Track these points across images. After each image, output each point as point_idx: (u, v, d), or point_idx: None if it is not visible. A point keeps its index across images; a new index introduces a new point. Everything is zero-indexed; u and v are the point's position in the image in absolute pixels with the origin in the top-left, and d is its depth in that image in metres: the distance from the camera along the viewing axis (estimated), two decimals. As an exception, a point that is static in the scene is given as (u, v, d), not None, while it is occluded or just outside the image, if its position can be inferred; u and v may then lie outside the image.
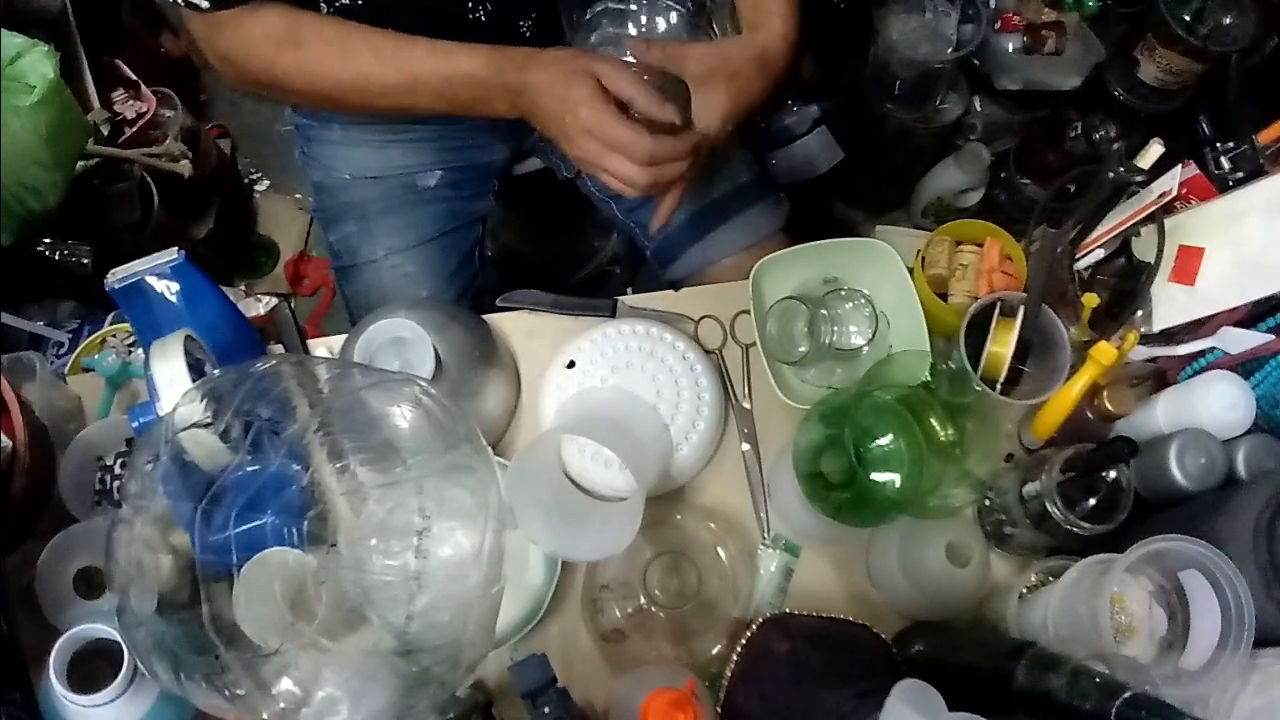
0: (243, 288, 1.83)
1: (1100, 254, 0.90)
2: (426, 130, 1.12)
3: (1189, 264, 0.84)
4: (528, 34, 1.00)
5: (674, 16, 0.91)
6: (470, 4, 0.93)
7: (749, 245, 1.12)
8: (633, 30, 0.91)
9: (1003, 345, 0.86)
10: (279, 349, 0.95)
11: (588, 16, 0.93)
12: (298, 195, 1.97)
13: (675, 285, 1.06)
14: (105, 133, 1.58)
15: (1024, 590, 0.82)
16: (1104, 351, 0.81)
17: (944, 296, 0.93)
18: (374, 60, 0.88)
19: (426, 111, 0.91)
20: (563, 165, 1.22)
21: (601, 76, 0.80)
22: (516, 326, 0.98)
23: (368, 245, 1.14)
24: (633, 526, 0.76)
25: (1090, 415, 0.86)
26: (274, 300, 1.72)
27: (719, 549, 0.84)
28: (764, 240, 1.12)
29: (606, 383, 0.90)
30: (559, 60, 0.83)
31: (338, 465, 0.64)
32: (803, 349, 0.93)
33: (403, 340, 0.84)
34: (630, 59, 0.85)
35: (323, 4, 0.90)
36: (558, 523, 0.82)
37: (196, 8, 0.86)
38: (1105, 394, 0.85)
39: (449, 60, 0.87)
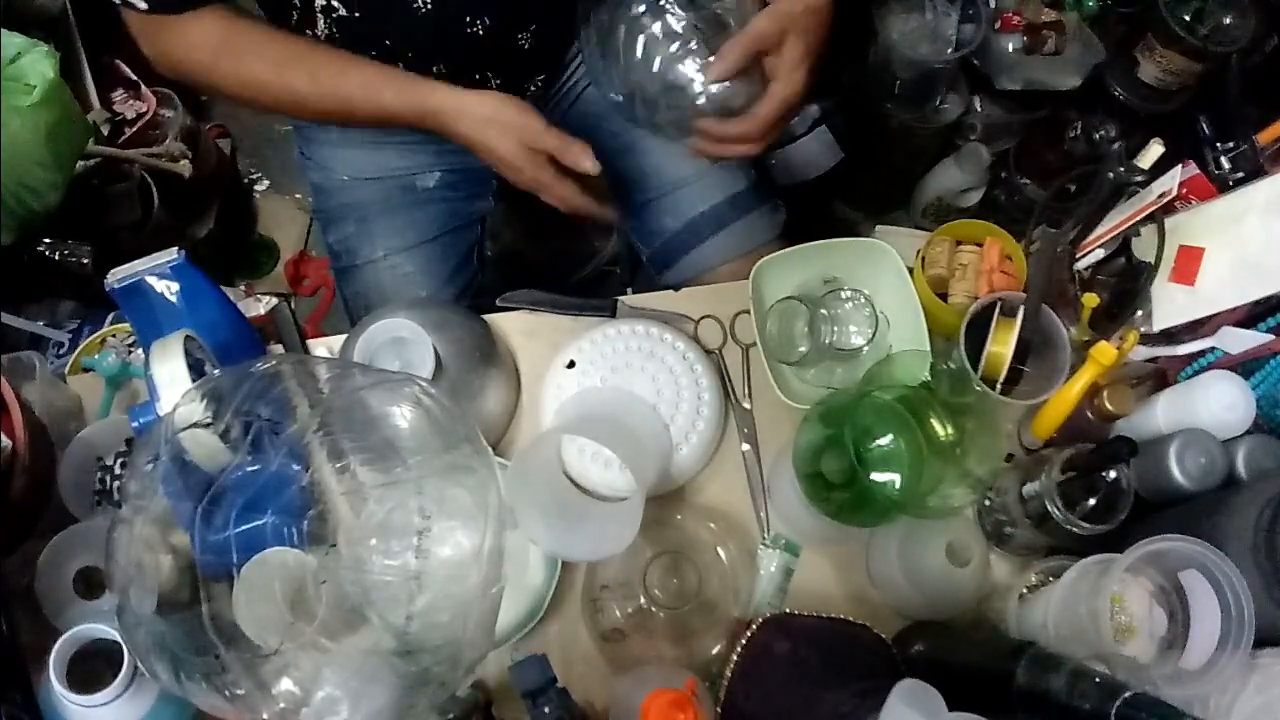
0: (243, 288, 1.83)
1: (1100, 254, 0.90)
2: (424, 134, 1.12)
3: (1189, 264, 0.84)
4: (526, 45, 1.00)
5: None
6: (468, 18, 0.93)
7: (744, 253, 1.12)
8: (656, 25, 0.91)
9: (1003, 345, 0.86)
10: (279, 349, 0.95)
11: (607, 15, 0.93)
12: (298, 195, 1.97)
13: (675, 285, 1.06)
14: (105, 133, 1.58)
15: (1024, 590, 0.82)
16: (1104, 351, 0.81)
17: (944, 296, 0.93)
18: (309, 84, 0.90)
19: (342, 117, 0.96)
20: None
21: (527, 139, 0.86)
22: (516, 326, 0.98)
23: (367, 246, 1.14)
24: (633, 526, 0.76)
25: (1090, 415, 0.86)
26: (274, 300, 1.71)
27: (719, 549, 0.84)
28: (759, 247, 1.12)
29: (606, 383, 0.90)
30: (483, 119, 0.87)
31: (338, 465, 0.64)
32: (803, 349, 0.93)
33: (403, 340, 0.84)
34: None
35: (319, 16, 0.90)
36: (557, 523, 0.82)
37: (133, 7, 0.85)
38: (1105, 394, 0.85)
39: (376, 98, 0.89)
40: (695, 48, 0.88)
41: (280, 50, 0.90)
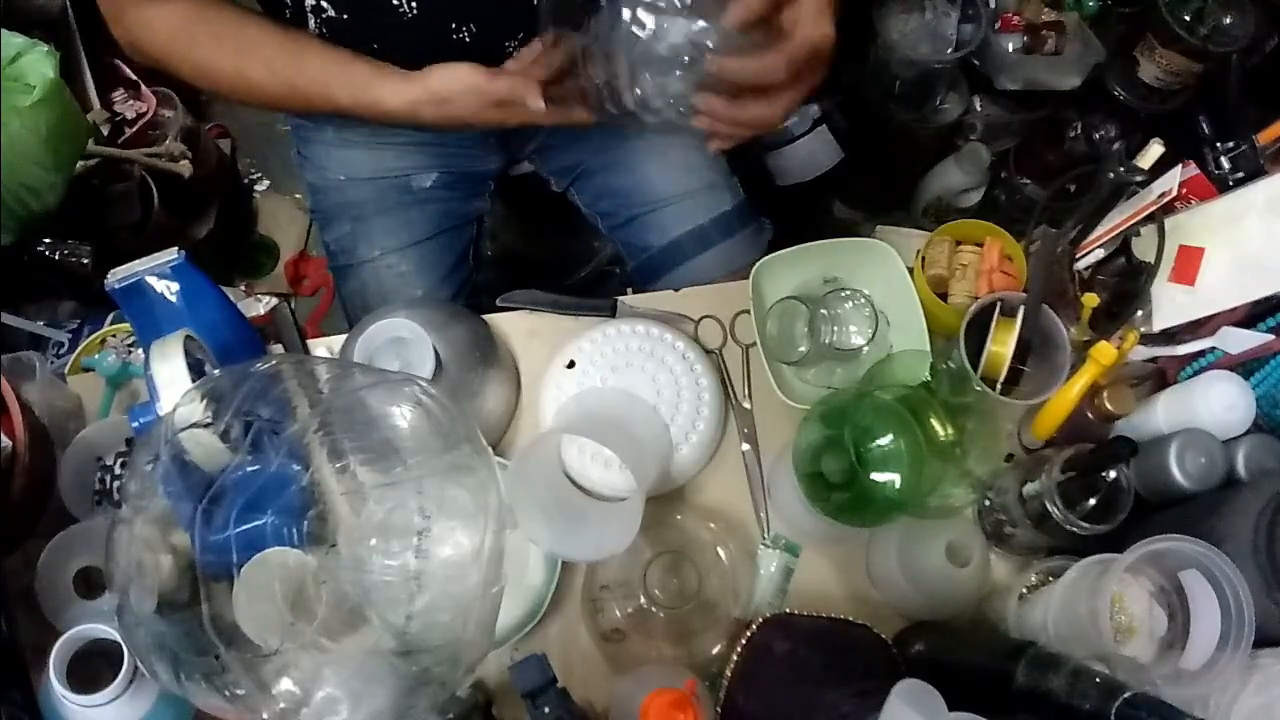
0: (243, 288, 1.84)
1: (1100, 254, 0.90)
2: (420, 135, 1.12)
3: (1189, 264, 0.84)
4: (513, 53, 1.00)
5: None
6: (454, 25, 0.93)
7: (726, 274, 1.11)
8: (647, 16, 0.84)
9: (1003, 345, 0.86)
10: (279, 349, 0.95)
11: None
12: (298, 195, 1.97)
13: (675, 286, 1.06)
14: (105, 133, 1.58)
15: (1024, 590, 0.82)
16: (1104, 351, 0.81)
17: (944, 296, 0.93)
18: (266, 74, 0.91)
19: (300, 105, 0.96)
20: (553, 180, 1.23)
21: (485, 98, 0.87)
22: (516, 326, 0.98)
23: (363, 245, 1.14)
24: (633, 526, 0.76)
25: (1090, 415, 0.86)
26: (274, 300, 1.72)
27: (719, 549, 0.84)
28: (743, 268, 1.09)
29: (606, 383, 0.90)
30: (438, 102, 0.88)
31: (338, 465, 0.64)
32: (803, 349, 0.93)
33: (403, 340, 0.84)
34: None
35: (310, 15, 0.90)
36: (558, 523, 0.82)
37: None
38: (1105, 394, 0.85)
39: (331, 98, 0.91)
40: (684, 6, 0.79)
41: (238, 38, 0.91)
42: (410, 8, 0.89)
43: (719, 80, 0.81)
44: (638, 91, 0.84)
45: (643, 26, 0.81)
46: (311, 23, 0.92)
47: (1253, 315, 0.82)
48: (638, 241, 1.17)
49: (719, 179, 1.16)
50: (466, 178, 1.17)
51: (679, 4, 0.80)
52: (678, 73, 0.82)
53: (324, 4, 0.89)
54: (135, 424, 0.76)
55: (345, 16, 0.90)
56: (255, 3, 0.95)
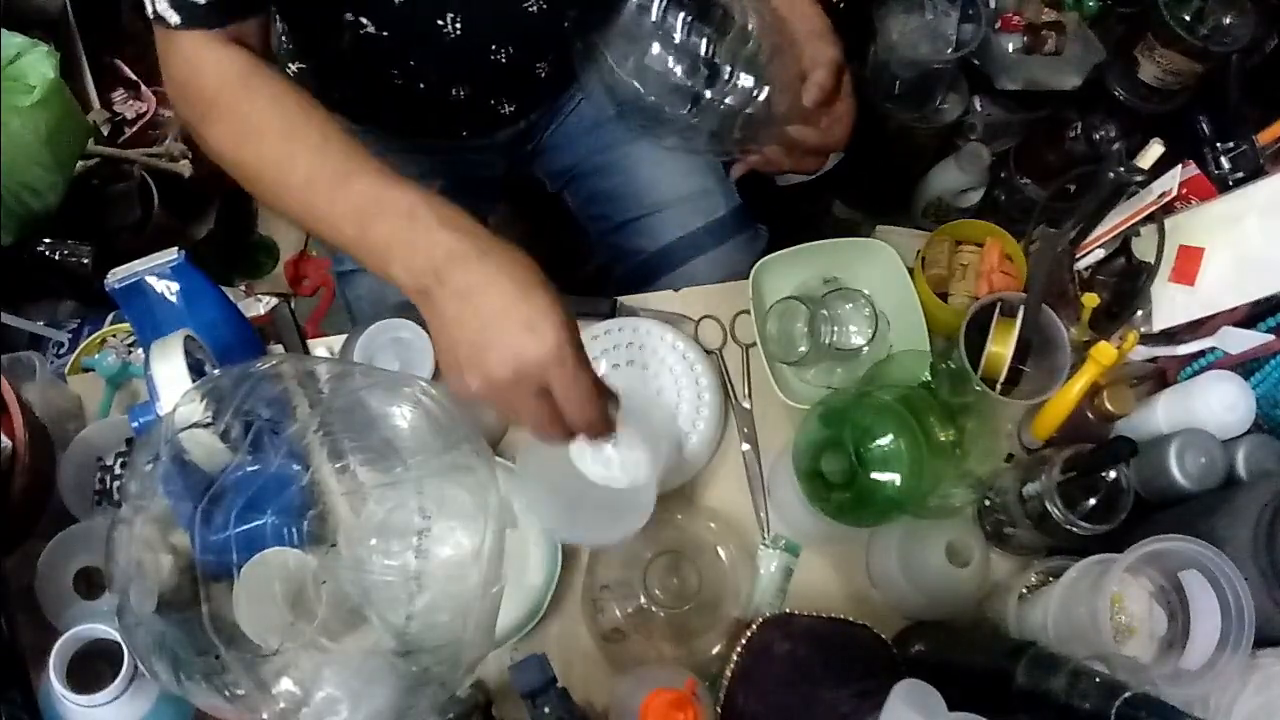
0: (243, 288, 1.83)
1: (1100, 254, 0.90)
2: (427, 143, 1.12)
3: (1189, 264, 0.84)
4: (544, 74, 1.00)
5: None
6: (493, 46, 0.93)
7: (720, 280, 1.11)
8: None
9: (1003, 345, 0.86)
10: (279, 349, 0.95)
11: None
12: (298, 195, 1.97)
13: (675, 285, 1.06)
14: (105, 133, 1.58)
15: (1024, 590, 0.82)
16: (1104, 351, 0.81)
17: (944, 296, 0.93)
18: (312, 156, 0.69)
19: (326, 225, 0.70)
20: (548, 181, 1.23)
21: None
22: (516, 326, 0.98)
23: None
24: (648, 505, 0.75)
25: (1090, 415, 0.86)
26: (274, 300, 1.71)
27: (719, 549, 0.84)
28: (735, 274, 1.06)
29: (607, 381, 0.89)
30: (519, 261, 0.63)
31: (338, 465, 0.64)
32: (803, 349, 0.93)
33: (403, 340, 0.84)
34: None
35: (346, 31, 0.90)
36: (575, 506, 0.81)
37: (164, 22, 0.75)
38: (1105, 394, 0.85)
39: (386, 191, 0.70)
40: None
41: (295, 101, 0.73)
42: (455, 28, 0.89)
43: (785, 136, 0.91)
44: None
45: (668, 67, 0.85)
46: (346, 38, 0.91)
47: (1253, 315, 0.82)
48: (627, 246, 1.16)
49: (714, 184, 1.15)
50: (473, 183, 1.17)
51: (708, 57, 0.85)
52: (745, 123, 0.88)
53: (364, 20, 0.88)
54: (135, 424, 0.76)
55: (386, 34, 0.89)
56: (284, 24, 0.95)
